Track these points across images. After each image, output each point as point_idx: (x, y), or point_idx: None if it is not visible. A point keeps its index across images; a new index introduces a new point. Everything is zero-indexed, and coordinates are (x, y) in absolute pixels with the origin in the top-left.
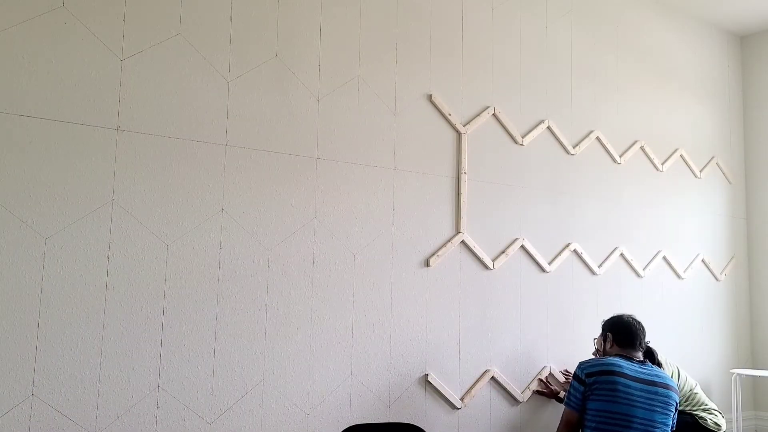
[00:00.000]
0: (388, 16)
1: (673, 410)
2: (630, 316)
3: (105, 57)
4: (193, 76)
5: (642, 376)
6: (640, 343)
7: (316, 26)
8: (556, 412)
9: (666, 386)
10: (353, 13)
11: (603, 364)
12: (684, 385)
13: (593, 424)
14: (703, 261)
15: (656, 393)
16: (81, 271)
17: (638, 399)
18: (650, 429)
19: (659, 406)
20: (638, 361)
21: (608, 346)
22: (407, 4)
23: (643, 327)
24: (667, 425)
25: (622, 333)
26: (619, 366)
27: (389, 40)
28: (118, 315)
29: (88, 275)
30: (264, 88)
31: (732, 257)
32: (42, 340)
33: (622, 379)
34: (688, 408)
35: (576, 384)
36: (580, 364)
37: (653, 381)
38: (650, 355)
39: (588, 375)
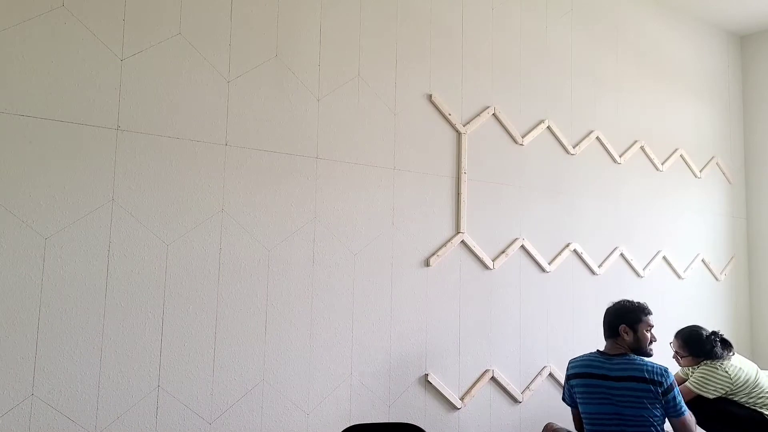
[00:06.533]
0: (388, 16)
1: (650, 401)
2: (610, 306)
3: (105, 57)
4: (193, 76)
5: (613, 373)
6: (609, 333)
7: (316, 26)
8: (555, 412)
9: (635, 379)
10: (353, 13)
11: (575, 367)
12: (757, 378)
13: (586, 425)
14: (703, 261)
15: (624, 388)
16: (81, 271)
17: (604, 394)
18: (620, 423)
19: (628, 401)
20: (615, 354)
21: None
22: (407, 4)
23: (610, 312)
24: (644, 416)
25: (605, 326)
26: (589, 366)
27: (389, 40)
28: (118, 315)
29: (88, 275)
30: (264, 88)
31: (732, 257)
32: (42, 340)
33: (591, 380)
34: (751, 402)
35: (565, 387)
36: (568, 365)
37: (623, 377)
38: (727, 346)
39: (567, 378)
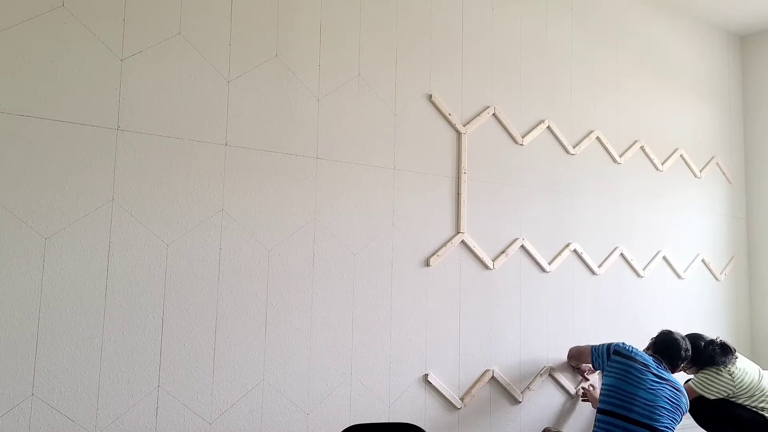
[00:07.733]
0: (388, 16)
1: (678, 412)
2: (682, 336)
3: (105, 57)
4: (193, 76)
5: (658, 372)
6: (671, 358)
7: (316, 26)
8: (555, 412)
9: (677, 389)
10: (353, 13)
11: (632, 353)
12: (761, 381)
13: (604, 398)
14: (703, 261)
15: (666, 387)
16: (81, 271)
17: (646, 383)
18: (652, 411)
19: (665, 397)
20: (662, 366)
21: (646, 347)
22: (407, 4)
23: (687, 348)
24: (673, 420)
25: (660, 342)
26: (644, 359)
27: (389, 40)
28: (118, 315)
29: (88, 275)
30: (264, 88)
31: (732, 257)
32: (42, 340)
33: (638, 366)
34: (754, 405)
35: (604, 350)
36: (621, 343)
37: (667, 379)
38: (727, 352)
39: (615, 353)
